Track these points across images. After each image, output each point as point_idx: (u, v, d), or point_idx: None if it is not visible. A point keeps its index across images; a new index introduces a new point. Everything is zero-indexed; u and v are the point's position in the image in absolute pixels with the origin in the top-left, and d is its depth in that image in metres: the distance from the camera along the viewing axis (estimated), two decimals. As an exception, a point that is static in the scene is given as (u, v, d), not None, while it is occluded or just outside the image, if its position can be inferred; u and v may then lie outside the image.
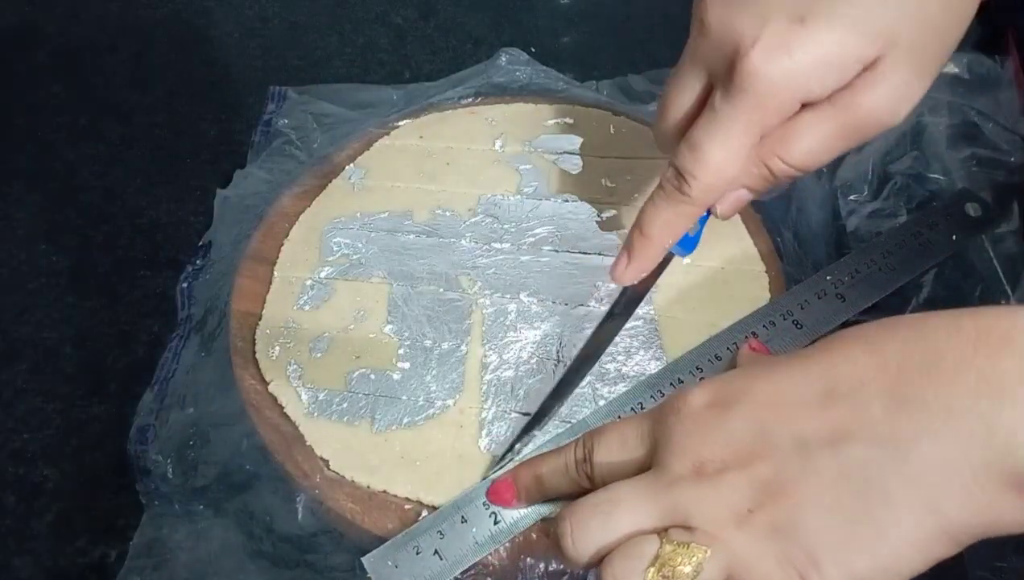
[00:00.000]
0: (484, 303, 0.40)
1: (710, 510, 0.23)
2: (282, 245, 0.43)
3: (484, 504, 0.32)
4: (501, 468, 0.34)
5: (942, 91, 0.46)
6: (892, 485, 0.22)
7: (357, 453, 0.35)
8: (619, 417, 0.34)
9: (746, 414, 0.24)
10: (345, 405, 0.37)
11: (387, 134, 0.48)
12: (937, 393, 0.22)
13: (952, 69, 0.47)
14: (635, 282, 0.34)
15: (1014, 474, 0.21)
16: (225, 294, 0.41)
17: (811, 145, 0.29)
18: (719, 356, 0.36)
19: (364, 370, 0.38)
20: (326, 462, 0.35)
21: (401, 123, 0.49)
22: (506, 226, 0.43)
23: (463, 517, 0.32)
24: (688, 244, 0.33)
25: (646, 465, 0.26)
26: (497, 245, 0.42)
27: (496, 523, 0.32)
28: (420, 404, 0.37)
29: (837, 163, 0.45)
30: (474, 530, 0.32)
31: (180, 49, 0.59)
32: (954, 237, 0.41)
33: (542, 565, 0.32)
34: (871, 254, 0.40)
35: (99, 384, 0.42)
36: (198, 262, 0.44)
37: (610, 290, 0.40)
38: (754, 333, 0.37)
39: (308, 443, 0.36)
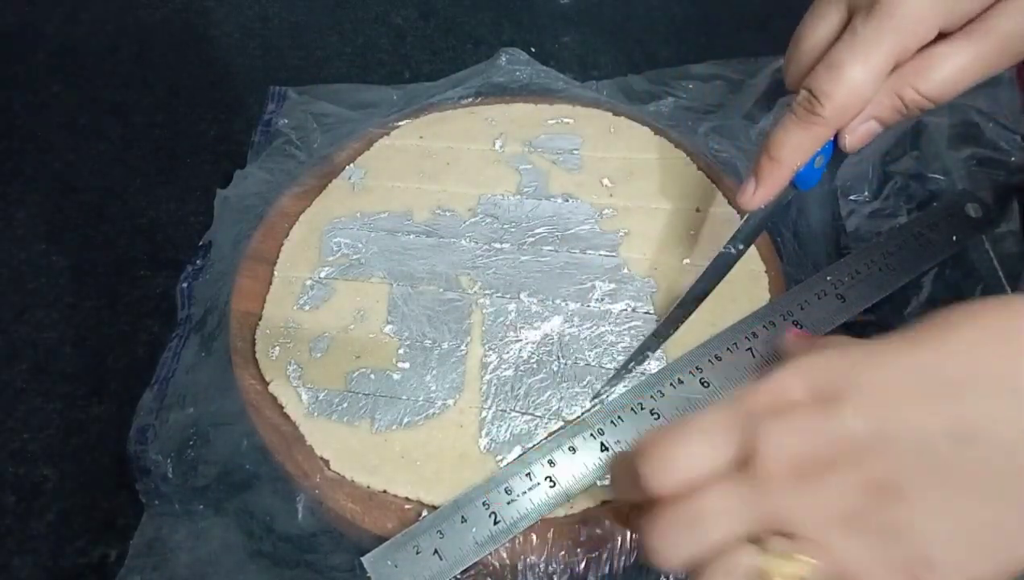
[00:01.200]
0: (484, 303, 0.40)
1: (814, 515, 0.21)
2: (282, 245, 0.43)
3: (484, 504, 0.32)
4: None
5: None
6: (1017, 484, 0.20)
7: (357, 453, 0.35)
8: (619, 417, 0.34)
9: (856, 408, 0.22)
10: (345, 405, 0.37)
11: (387, 134, 0.48)
12: None
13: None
14: (759, 207, 0.35)
15: None
16: (225, 294, 0.41)
17: (946, 75, 0.30)
18: (719, 357, 0.36)
19: (364, 370, 0.38)
20: (326, 462, 0.35)
21: (401, 123, 0.49)
22: (506, 226, 0.43)
23: (463, 517, 0.32)
24: (811, 178, 0.34)
25: (733, 465, 0.23)
26: (497, 245, 0.42)
27: (496, 523, 0.32)
28: (420, 404, 0.37)
29: (837, 163, 0.45)
30: (474, 530, 0.32)
31: (180, 49, 0.59)
32: (955, 238, 0.41)
33: (542, 565, 0.32)
34: (871, 255, 0.40)
35: (99, 384, 0.42)
36: (198, 262, 0.44)
37: (610, 289, 0.40)
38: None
39: (308, 443, 0.36)
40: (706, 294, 0.38)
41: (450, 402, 0.37)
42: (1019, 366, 0.21)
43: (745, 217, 0.36)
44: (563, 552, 0.32)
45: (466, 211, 0.44)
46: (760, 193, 0.34)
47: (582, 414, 0.36)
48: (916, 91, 0.31)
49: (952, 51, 0.30)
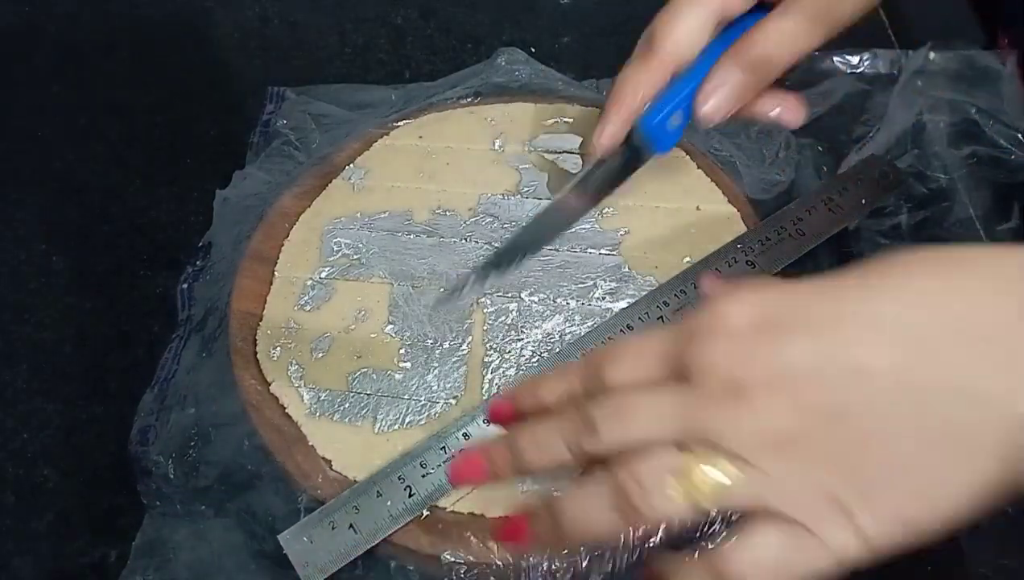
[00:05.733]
0: (485, 302, 0.40)
1: (747, 434, 0.21)
2: (282, 245, 0.43)
3: (399, 478, 0.33)
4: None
5: (942, 89, 0.46)
6: (967, 433, 0.20)
7: (359, 453, 0.35)
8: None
9: (801, 340, 0.22)
10: (347, 405, 0.37)
11: (387, 134, 0.48)
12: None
13: (952, 66, 0.47)
14: (610, 149, 0.35)
15: None
16: (225, 294, 0.41)
17: (776, 38, 0.33)
18: (631, 326, 0.37)
19: (366, 370, 0.38)
20: (328, 462, 0.35)
21: (401, 123, 0.49)
22: (506, 226, 0.43)
23: (378, 491, 0.33)
24: (666, 139, 0.35)
25: (669, 380, 0.23)
26: (498, 245, 0.42)
27: (411, 496, 0.33)
28: (422, 404, 0.37)
29: (837, 161, 0.46)
30: (389, 503, 0.33)
31: (180, 49, 0.59)
32: (863, 201, 0.42)
33: (544, 565, 0.32)
34: (781, 222, 0.41)
35: (99, 384, 0.42)
36: (198, 263, 0.44)
37: (611, 288, 0.40)
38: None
39: (310, 443, 0.36)
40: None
41: (452, 402, 0.37)
42: (972, 317, 0.21)
43: (593, 163, 0.35)
44: (565, 551, 0.32)
45: (466, 211, 0.44)
46: (608, 132, 0.34)
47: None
48: (751, 51, 0.33)
49: (778, 17, 0.33)
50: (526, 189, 0.45)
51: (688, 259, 0.41)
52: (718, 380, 0.22)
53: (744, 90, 0.33)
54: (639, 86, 0.34)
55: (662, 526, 0.22)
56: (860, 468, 0.21)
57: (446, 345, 0.38)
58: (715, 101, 0.33)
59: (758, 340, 0.22)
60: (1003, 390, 0.20)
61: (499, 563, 0.32)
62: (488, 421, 0.28)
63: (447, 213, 0.44)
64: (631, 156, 0.34)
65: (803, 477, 0.21)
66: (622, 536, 0.22)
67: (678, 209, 0.43)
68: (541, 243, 0.35)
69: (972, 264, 0.22)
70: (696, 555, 0.21)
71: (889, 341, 0.21)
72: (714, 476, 0.21)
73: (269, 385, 0.38)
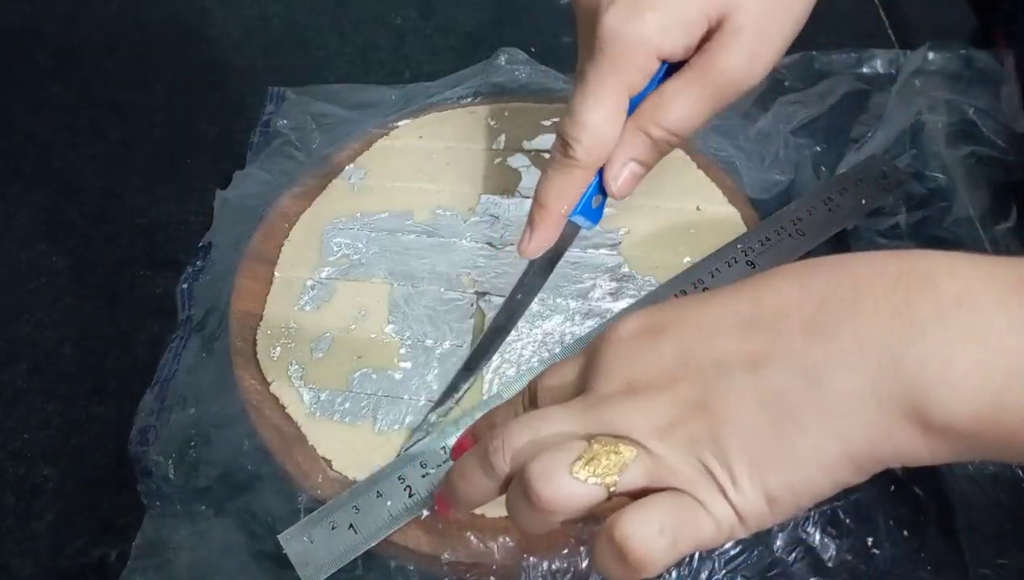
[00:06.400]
0: (485, 302, 0.40)
1: (634, 423, 0.24)
2: (282, 245, 0.43)
3: (400, 479, 0.33)
4: (412, 444, 0.35)
5: (940, 89, 0.46)
6: (805, 411, 0.23)
7: (359, 453, 0.35)
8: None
9: (673, 339, 0.25)
10: (347, 405, 0.37)
11: (387, 134, 0.48)
12: (854, 327, 0.23)
13: (951, 66, 0.47)
14: (539, 254, 0.34)
15: (914, 408, 0.22)
16: (225, 294, 0.41)
17: (682, 109, 0.32)
18: None
19: (366, 370, 0.38)
20: (328, 462, 0.35)
21: (401, 123, 0.49)
22: (507, 225, 0.43)
23: (379, 492, 0.33)
24: (593, 216, 0.34)
25: (580, 392, 0.27)
26: (498, 244, 0.42)
27: (411, 496, 0.33)
28: (422, 404, 0.37)
29: (836, 161, 0.46)
30: (389, 503, 0.33)
31: (180, 49, 0.59)
32: (863, 201, 0.42)
33: (545, 564, 0.32)
34: (781, 222, 0.41)
35: (99, 384, 0.42)
36: (198, 263, 0.44)
37: (611, 288, 0.40)
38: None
39: (310, 443, 0.36)
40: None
41: (452, 402, 0.37)
42: (815, 307, 0.23)
43: (529, 262, 0.35)
44: (566, 550, 0.32)
45: (466, 211, 0.44)
46: (536, 240, 0.34)
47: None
48: (659, 126, 0.32)
49: (681, 86, 0.32)
50: (526, 189, 0.45)
51: (688, 259, 0.41)
52: (612, 381, 0.26)
53: (651, 162, 0.33)
54: (562, 194, 0.33)
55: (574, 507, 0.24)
56: (724, 448, 0.23)
57: (446, 345, 0.38)
58: (625, 179, 0.33)
59: (641, 344, 0.26)
60: (828, 366, 0.23)
61: (499, 563, 0.32)
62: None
63: (447, 213, 0.44)
64: (564, 239, 0.35)
65: (685, 455, 0.24)
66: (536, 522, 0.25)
67: (678, 209, 0.43)
68: (512, 323, 0.37)
69: (818, 266, 0.25)
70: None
71: (744, 335, 0.24)
72: (616, 457, 0.24)
73: (269, 385, 0.38)
